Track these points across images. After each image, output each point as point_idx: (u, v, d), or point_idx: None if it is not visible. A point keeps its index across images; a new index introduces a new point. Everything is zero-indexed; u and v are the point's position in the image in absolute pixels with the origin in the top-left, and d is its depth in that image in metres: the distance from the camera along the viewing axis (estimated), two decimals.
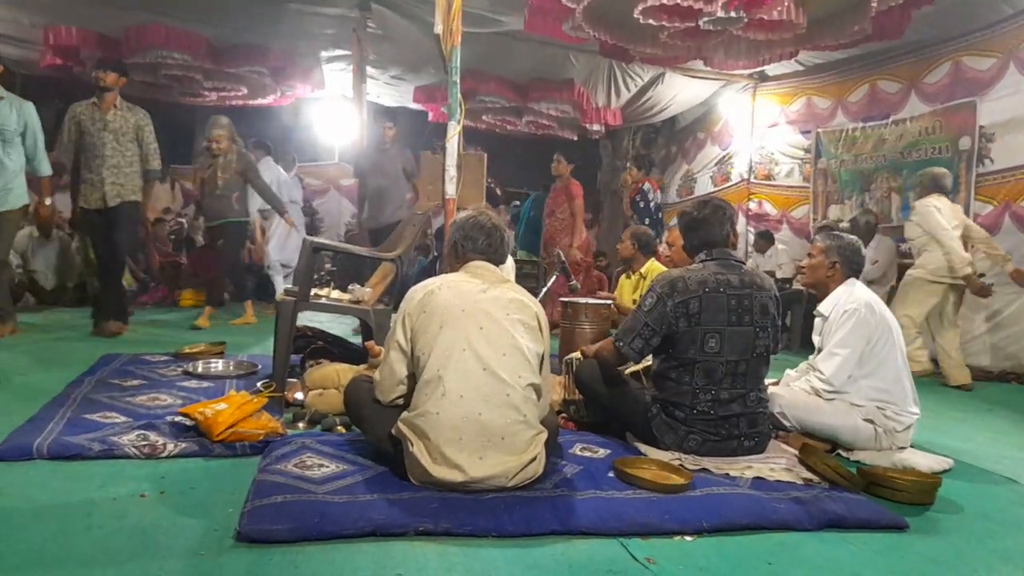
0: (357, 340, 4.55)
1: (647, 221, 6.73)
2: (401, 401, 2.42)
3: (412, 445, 2.21)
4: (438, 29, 3.64)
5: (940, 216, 4.92)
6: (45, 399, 3.16)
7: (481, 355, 2.25)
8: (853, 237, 3.23)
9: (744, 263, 2.89)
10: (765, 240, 7.53)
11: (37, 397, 3.19)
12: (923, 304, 5.01)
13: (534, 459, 2.25)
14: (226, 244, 6.00)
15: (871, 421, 2.92)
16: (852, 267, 3.14)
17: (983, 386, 5.17)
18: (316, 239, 3.79)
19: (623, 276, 4.97)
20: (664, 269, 4.16)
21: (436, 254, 6.95)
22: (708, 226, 2.86)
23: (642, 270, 4.64)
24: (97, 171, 4.97)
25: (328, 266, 8.44)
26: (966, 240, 5.07)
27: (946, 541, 2.14)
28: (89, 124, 4.97)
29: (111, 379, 3.65)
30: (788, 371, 3.37)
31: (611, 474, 2.46)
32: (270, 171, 7.15)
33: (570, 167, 6.94)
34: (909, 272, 5.19)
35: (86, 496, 2.13)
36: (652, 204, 6.93)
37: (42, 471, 2.33)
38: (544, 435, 2.32)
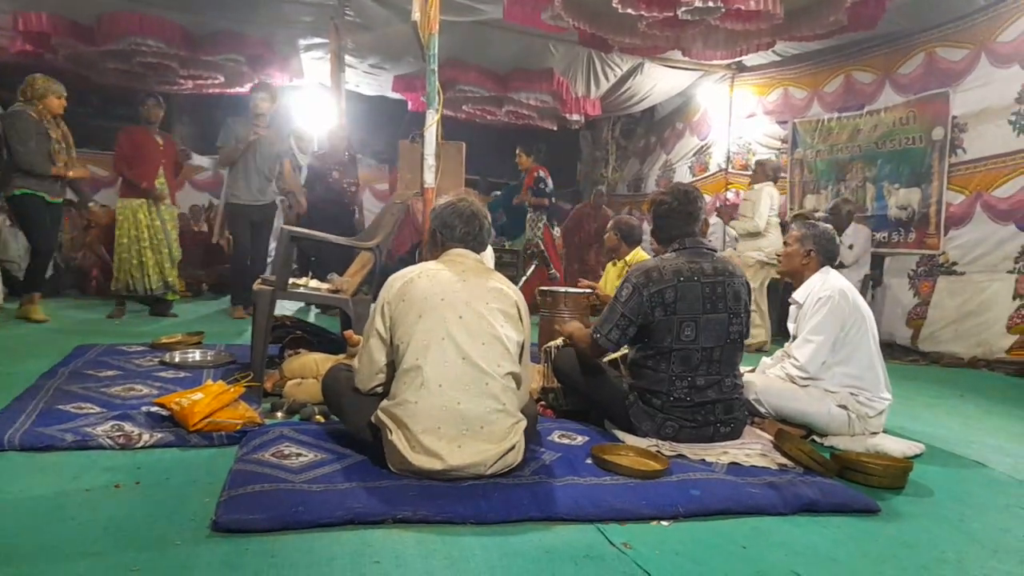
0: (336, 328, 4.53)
1: (546, 204, 7.37)
2: (380, 390, 2.42)
3: (391, 433, 2.21)
4: (415, 16, 3.62)
5: (770, 203, 5.85)
6: (18, 390, 3.12)
7: (460, 344, 2.25)
8: (828, 226, 3.27)
9: (716, 251, 2.91)
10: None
11: (9, 388, 3.15)
12: (763, 284, 5.73)
13: (513, 447, 2.25)
14: (57, 225, 5.62)
15: (844, 407, 2.97)
16: (827, 255, 3.18)
17: (954, 372, 5.26)
18: (293, 228, 3.76)
19: (609, 264, 4.99)
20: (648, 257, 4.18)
21: (415, 242, 6.95)
22: (685, 215, 2.87)
23: (627, 258, 4.66)
24: None
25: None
26: (783, 225, 5.99)
27: (917, 524, 2.18)
28: None
29: (86, 370, 3.61)
30: (763, 358, 3.41)
31: (589, 461, 2.48)
32: None
33: None
34: (749, 254, 5.81)
35: (59, 488, 2.10)
36: (548, 188, 7.44)
37: (14, 463, 2.30)
38: (523, 424, 2.33)
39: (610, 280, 4.85)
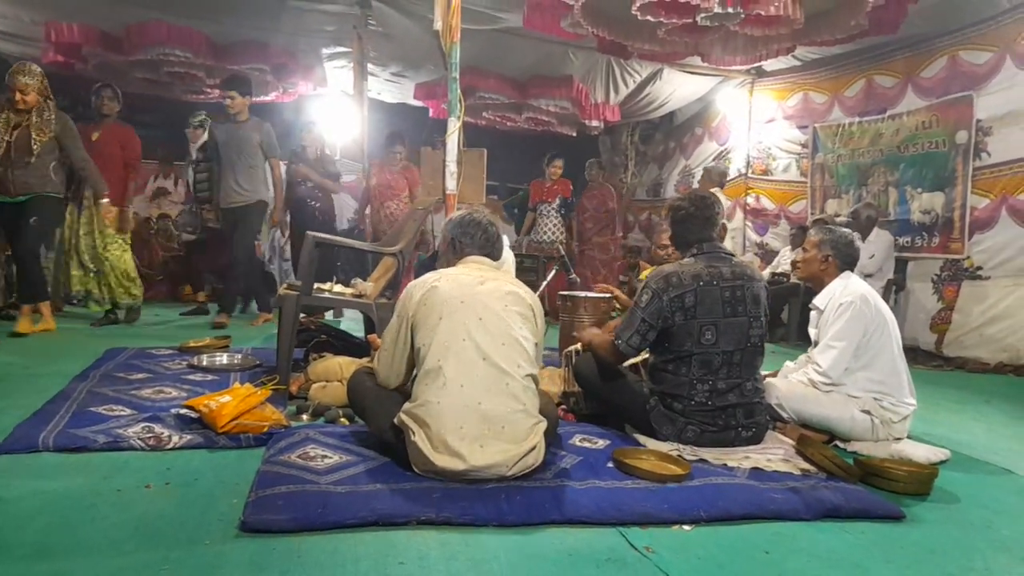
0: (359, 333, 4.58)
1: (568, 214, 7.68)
2: (403, 388, 2.47)
3: (414, 434, 2.24)
4: (437, 26, 3.67)
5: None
6: (51, 393, 3.19)
7: (481, 345, 2.29)
8: (846, 230, 3.26)
9: (734, 255, 2.92)
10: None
11: (43, 391, 3.22)
12: None
13: (534, 448, 2.28)
14: (39, 224, 4.87)
15: (868, 412, 2.95)
16: (846, 260, 3.16)
17: (980, 378, 5.19)
18: (318, 234, 3.81)
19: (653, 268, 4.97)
20: None
21: (436, 250, 7.01)
22: (703, 220, 2.89)
23: None
24: None
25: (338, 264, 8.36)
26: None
27: (943, 531, 2.16)
28: None
29: (116, 373, 3.68)
30: (787, 363, 3.40)
31: (610, 464, 2.48)
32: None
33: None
34: None
35: (91, 488, 2.15)
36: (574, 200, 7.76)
37: (48, 463, 2.36)
38: (543, 425, 2.35)
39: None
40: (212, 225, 6.28)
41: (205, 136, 6.37)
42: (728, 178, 7.33)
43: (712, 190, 6.22)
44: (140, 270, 7.32)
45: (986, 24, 5.68)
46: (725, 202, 6.41)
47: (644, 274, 4.90)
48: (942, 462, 2.85)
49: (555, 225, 7.62)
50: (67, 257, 5.37)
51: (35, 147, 4.74)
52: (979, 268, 5.71)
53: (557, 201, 7.61)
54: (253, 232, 6.09)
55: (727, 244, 5.70)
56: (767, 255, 7.97)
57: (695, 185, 8.95)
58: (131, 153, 5.69)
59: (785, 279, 6.76)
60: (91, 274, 5.39)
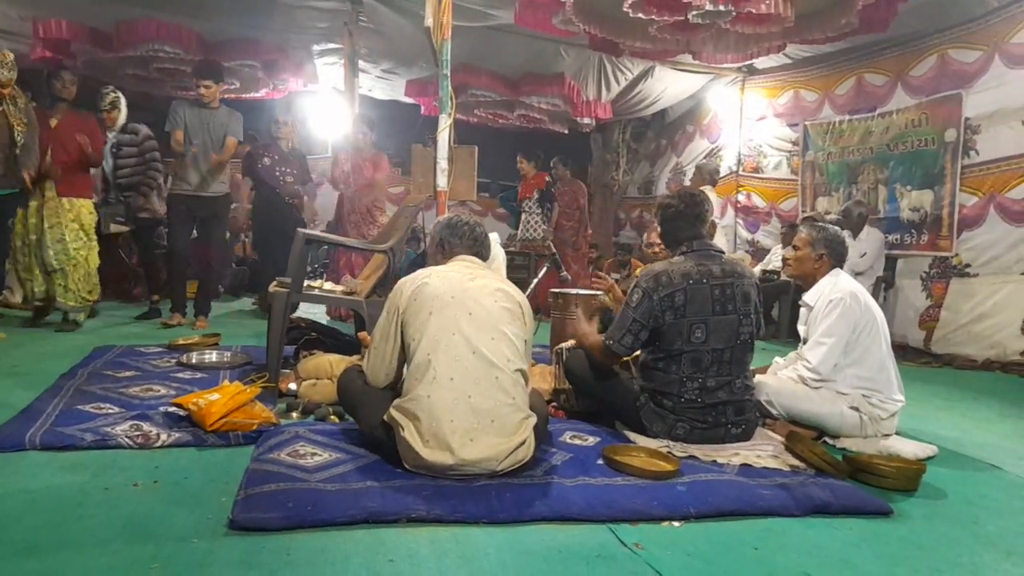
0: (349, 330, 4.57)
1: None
2: (393, 385, 2.48)
3: (403, 429, 2.25)
4: (429, 23, 3.66)
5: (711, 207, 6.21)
6: (38, 391, 3.17)
7: (470, 339, 2.30)
8: (836, 228, 3.28)
9: (723, 253, 2.93)
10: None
11: (30, 389, 3.20)
12: None
13: (523, 442, 2.28)
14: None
15: (857, 409, 2.96)
16: (837, 258, 3.18)
17: (967, 374, 5.23)
18: (308, 231, 3.80)
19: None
20: None
21: (425, 250, 6.97)
22: (692, 218, 2.90)
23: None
24: None
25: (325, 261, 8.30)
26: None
27: (930, 527, 2.18)
28: None
29: (104, 370, 3.66)
30: (777, 359, 3.41)
31: (600, 461, 2.49)
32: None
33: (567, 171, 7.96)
34: None
35: (79, 486, 2.14)
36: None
37: (35, 462, 2.34)
38: (533, 420, 2.36)
39: None
40: (144, 215, 5.91)
41: (123, 118, 5.94)
42: (720, 175, 7.46)
43: (703, 187, 6.21)
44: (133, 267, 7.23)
45: (976, 23, 5.71)
46: (716, 200, 6.36)
47: (636, 272, 4.91)
48: (930, 458, 2.87)
49: (539, 220, 7.68)
50: (28, 259, 5.05)
51: (19, 138, 4.63)
52: (967, 265, 5.76)
53: (536, 195, 7.67)
54: (228, 228, 6.01)
55: (718, 241, 5.72)
56: (758, 252, 7.99)
57: (687, 183, 9.00)
58: (95, 144, 5.30)
59: (776, 276, 6.79)
60: (53, 273, 5.03)
